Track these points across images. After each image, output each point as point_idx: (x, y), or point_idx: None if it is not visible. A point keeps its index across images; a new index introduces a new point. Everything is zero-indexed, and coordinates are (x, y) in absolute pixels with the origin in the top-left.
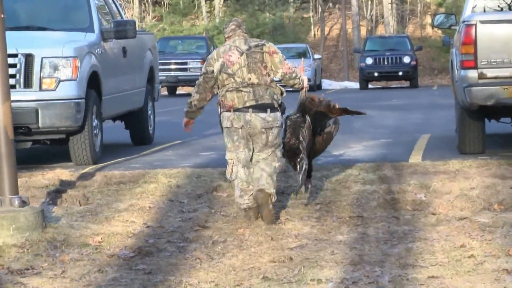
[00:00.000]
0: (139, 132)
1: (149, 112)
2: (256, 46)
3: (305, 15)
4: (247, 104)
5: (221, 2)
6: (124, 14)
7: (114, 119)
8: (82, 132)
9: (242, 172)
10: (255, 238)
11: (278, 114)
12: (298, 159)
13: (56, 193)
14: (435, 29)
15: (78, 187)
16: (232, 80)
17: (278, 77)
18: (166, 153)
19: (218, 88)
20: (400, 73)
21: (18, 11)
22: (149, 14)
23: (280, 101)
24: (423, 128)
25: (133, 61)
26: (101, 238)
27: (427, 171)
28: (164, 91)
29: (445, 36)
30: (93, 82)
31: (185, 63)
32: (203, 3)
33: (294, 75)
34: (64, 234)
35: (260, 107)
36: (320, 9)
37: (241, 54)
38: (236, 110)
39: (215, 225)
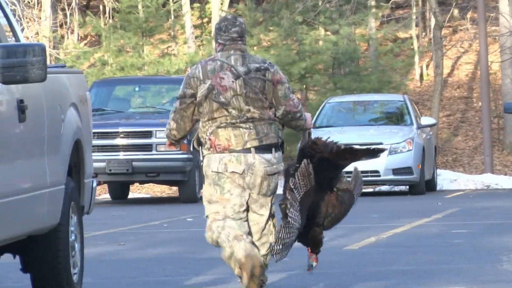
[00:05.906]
0: (51, 279)
1: (72, 237)
2: (257, 70)
3: (401, 34)
4: (248, 145)
5: (224, 6)
6: (23, 30)
7: (0, 251)
8: None
9: (231, 222)
10: None
11: (281, 154)
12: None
13: None
14: None
15: None
16: (226, 113)
17: (278, 114)
18: None
19: (201, 118)
20: None
21: None
22: (72, 32)
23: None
24: None
25: (39, 130)
26: None
27: None
28: (104, 193)
29: None
30: None
31: (148, 134)
32: (186, 8)
33: (298, 115)
34: None
35: (265, 148)
36: (433, 22)
37: (237, 77)
38: (233, 151)
39: None
